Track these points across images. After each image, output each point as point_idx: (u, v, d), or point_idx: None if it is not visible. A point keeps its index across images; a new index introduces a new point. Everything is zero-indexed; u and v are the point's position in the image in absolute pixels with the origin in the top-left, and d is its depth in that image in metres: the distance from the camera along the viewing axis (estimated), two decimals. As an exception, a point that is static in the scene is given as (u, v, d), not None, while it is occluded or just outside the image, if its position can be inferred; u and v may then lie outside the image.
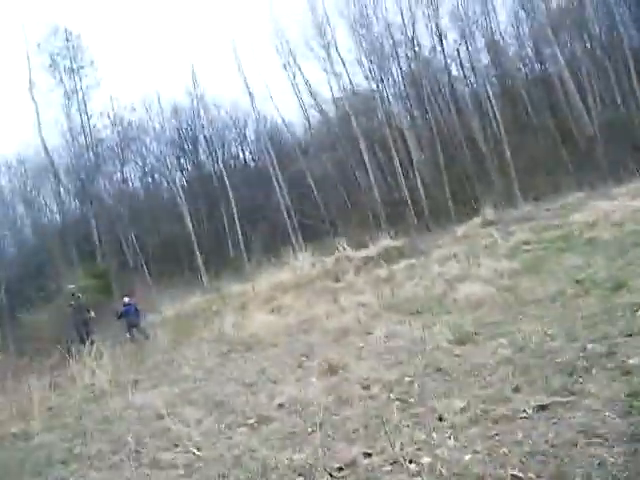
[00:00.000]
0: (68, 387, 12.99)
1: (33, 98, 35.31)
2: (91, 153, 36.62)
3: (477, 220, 24.56)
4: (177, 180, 39.73)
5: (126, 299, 21.00)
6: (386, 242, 23.60)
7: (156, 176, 43.92)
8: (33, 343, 18.54)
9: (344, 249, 23.93)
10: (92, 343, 20.56)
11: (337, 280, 20.49)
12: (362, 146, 35.75)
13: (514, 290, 11.63)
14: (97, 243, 34.59)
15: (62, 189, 38.21)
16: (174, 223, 37.80)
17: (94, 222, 35.56)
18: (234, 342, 14.19)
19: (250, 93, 39.28)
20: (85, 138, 36.83)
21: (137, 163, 43.57)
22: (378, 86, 38.43)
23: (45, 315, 22.42)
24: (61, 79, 37.23)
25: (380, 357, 9.13)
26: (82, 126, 36.83)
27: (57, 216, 41.12)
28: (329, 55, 38.24)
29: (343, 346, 10.53)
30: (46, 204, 43.03)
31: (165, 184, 42.07)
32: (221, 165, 41.34)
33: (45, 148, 35.24)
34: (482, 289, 12.17)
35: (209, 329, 16.95)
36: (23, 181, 43.26)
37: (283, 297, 19.23)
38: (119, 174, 41.66)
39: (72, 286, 22.73)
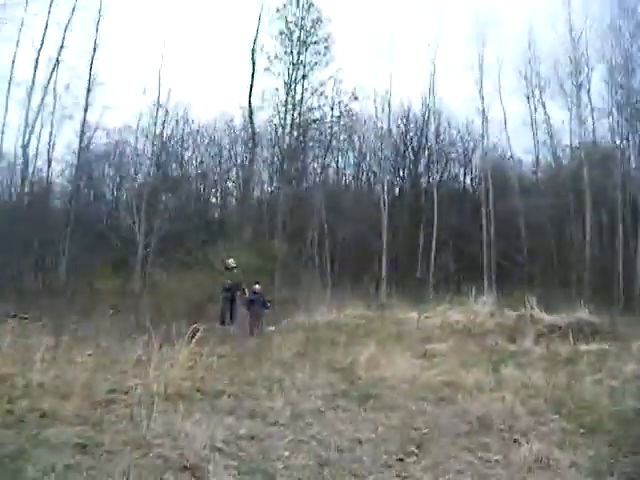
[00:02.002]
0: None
1: (253, 61, 33.71)
2: (299, 131, 34.21)
3: None
4: (385, 184, 36.43)
5: (257, 287, 18.48)
6: (582, 314, 19.44)
7: (364, 174, 41.25)
8: (165, 309, 16.21)
9: (532, 307, 20.07)
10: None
11: (512, 341, 16.90)
12: (587, 203, 31.36)
13: None
14: (281, 224, 31.99)
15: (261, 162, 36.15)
16: (370, 227, 34.82)
17: (283, 201, 33.16)
18: (356, 382, 11.20)
19: (485, 117, 35.69)
20: (294, 115, 34.41)
21: (347, 153, 40.99)
22: (622, 143, 33.70)
23: (187, 282, 20.16)
24: (290, 50, 35.07)
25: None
26: (294, 103, 34.45)
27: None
28: (578, 97, 33.79)
29: (470, 451, 7.22)
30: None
31: (373, 185, 38.98)
32: (436, 183, 37.89)
33: (250, 117, 33.32)
34: None
35: (340, 354, 13.95)
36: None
37: (443, 341, 15.90)
38: (324, 159, 38.87)
39: (231, 260, 20.47)
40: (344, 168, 41.37)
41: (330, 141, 36.83)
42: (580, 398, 10.06)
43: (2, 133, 30.27)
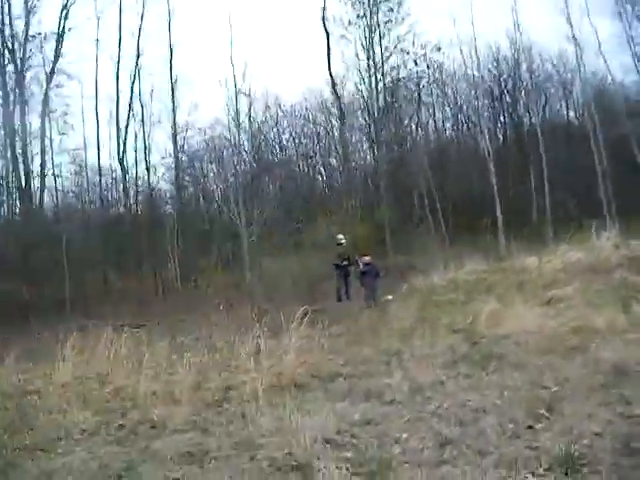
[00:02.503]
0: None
1: (326, 30, 32.75)
2: (385, 93, 32.96)
3: None
4: (486, 132, 34.84)
5: (366, 258, 17.85)
6: None
7: (464, 126, 39.61)
8: (275, 296, 15.81)
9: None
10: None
11: (640, 272, 15.59)
12: None
13: None
14: (384, 189, 31.00)
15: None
16: (478, 178, 33.43)
17: (383, 166, 32.19)
18: (478, 342, 10.45)
19: (577, 45, 33.47)
20: (379, 77, 33.12)
21: (443, 108, 39.41)
22: None
23: (293, 263, 19.67)
24: (362, 13, 33.72)
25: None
26: (375, 65, 33.04)
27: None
28: None
29: (607, 407, 6.37)
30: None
31: (474, 135, 37.32)
32: (539, 122, 36.01)
33: (334, 87, 32.34)
34: None
35: (460, 314, 13.13)
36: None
37: (567, 284, 14.78)
38: (417, 117, 37.36)
39: (340, 235, 19.90)
40: (442, 124, 40.06)
41: (419, 97, 35.41)
42: None
43: (98, 149, 30.84)
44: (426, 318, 13.50)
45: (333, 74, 32.63)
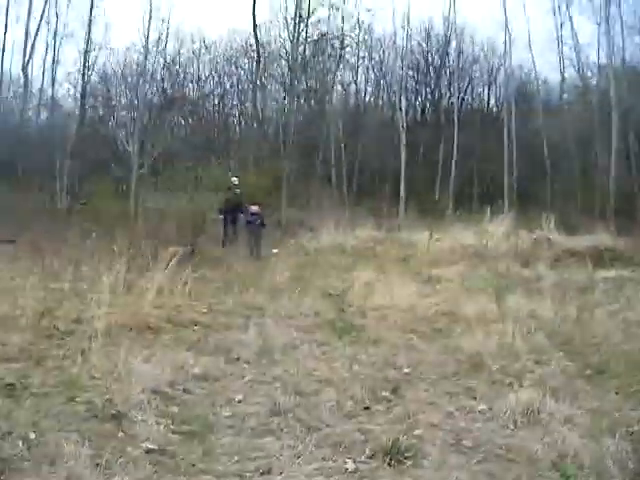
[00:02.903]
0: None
1: None
2: (306, 46, 32.01)
3: None
4: (404, 104, 34.47)
5: (254, 207, 17.28)
6: (603, 238, 17.95)
7: (384, 93, 39.07)
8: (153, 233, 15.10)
9: (549, 229, 18.62)
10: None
11: (525, 266, 15.58)
12: (614, 124, 29.25)
13: None
14: (290, 141, 30.16)
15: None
16: (389, 147, 33.05)
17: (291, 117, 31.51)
18: (346, 310, 10.14)
19: (509, 34, 33.25)
20: (303, 28, 31.80)
21: (368, 72, 38.84)
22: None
23: (183, 202, 18.89)
24: None
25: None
26: (301, 13, 31.27)
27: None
28: (608, 13, 31.03)
29: (452, 398, 6.07)
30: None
31: (393, 104, 36.68)
32: (458, 103, 35.98)
33: (255, 30, 31.08)
34: None
35: (338, 279, 12.79)
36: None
37: (449, 266, 14.66)
38: (333, 75, 36.12)
39: (234, 178, 19.22)
40: (364, 87, 39.45)
41: (341, 55, 34.59)
42: (590, 333, 8.82)
43: (2, 53, 28.94)
44: (303, 278, 13.10)
45: (258, 18, 31.24)
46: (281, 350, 7.51)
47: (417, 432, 5.06)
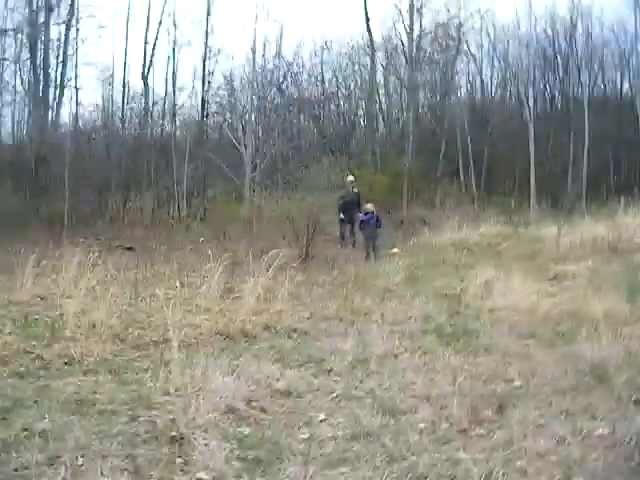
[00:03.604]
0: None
1: None
2: (421, 35, 30.81)
3: None
4: (532, 94, 32.72)
5: (368, 206, 16.46)
6: None
7: (509, 84, 37.26)
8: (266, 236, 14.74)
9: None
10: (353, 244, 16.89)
11: (667, 259, 14.10)
12: None
13: None
14: (412, 138, 29.13)
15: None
16: (517, 140, 31.46)
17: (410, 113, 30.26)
18: (462, 312, 9.26)
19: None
20: (418, 19, 30.95)
21: (492, 62, 37.14)
22: None
23: (296, 202, 18.26)
24: None
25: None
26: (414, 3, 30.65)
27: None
28: None
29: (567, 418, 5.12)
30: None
31: (520, 95, 34.85)
32: (589, 90, 33.83)
33: (367, 24, 30.28)
34: None
35: (456, 278, 11.88)
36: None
37: (578, 262, 13.44)
38: (452, 68, 34.61)
39: (350, 176, 18.54)
40: (490, 80, 37.78)
41: (459, 42, 33.10)
42: None
43: (125, 65, 29.60)
44: (419, 278, 12.30)
45: (372, 11, 30.45)
46: (379, 360, 6.77)
47: (519, 464, 4.20)
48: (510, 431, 4.73)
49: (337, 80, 37.00)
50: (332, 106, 36.93)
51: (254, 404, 5.42)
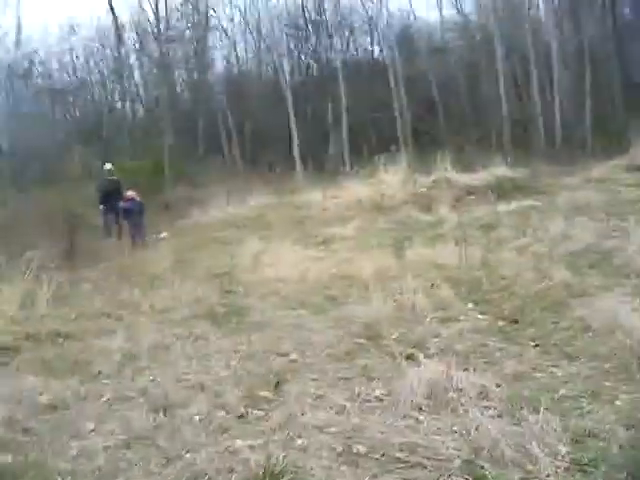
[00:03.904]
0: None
1: None
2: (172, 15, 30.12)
3: (620, 162, 17.93)
4: (287, 64, 33.11)
5: (129, 193, 15.70)
6: (501, 170, 17.15)
7: (265, 55, 37.37)
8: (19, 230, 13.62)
9: (446, 169, 17.70)
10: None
11: (426, 211, 14.68)
12: (498, 53, 28.58)
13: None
14: (168, 118, 28.16)
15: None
16: (277, 111, 31.60)
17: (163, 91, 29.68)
18: (235, 291, 8.93)
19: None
20: None
21: (246, 35, 36.90)
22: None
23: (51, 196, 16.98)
24: None
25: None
26: None
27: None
28: None
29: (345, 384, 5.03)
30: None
31: (276, 65, 35.15)
32: (341, 55, 34.64)
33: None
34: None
35: (226, 256, 11.55)
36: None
37: (345, 224, 13.65)
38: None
39: (107, 164, 17.58)
40: (245, 52, 37.60)
41: (207, 18, 32.71)
42: (499, 275, 7.95)
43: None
44: (188, 260, 11.85)
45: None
46: (150, 354, 6.32)
47: (299, 442, 4.01)
48: (288, 408, 4.53)
49: (89, 65, 35.18)
50: (87, 94, 35.09)
51: (15, 426, 4.82)
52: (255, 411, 4.63)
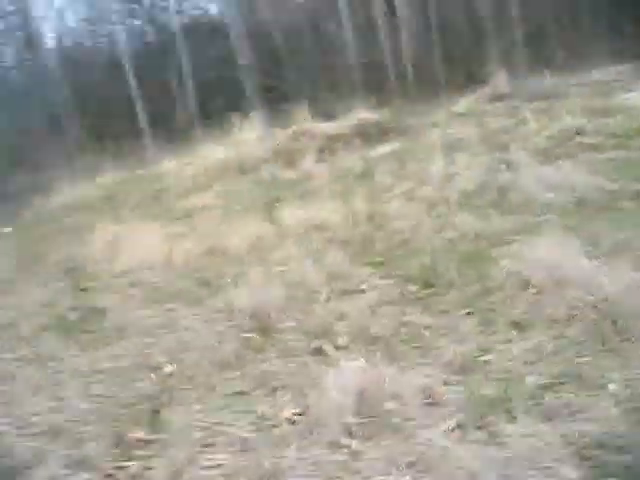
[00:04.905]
0: None
1: None
2: None
3: (481, 92, 17.35)
4: (123, 33, 30.93)
5: None
6: (363, 114, 16.08)
7: (99, 26, 34.81)
8: None
9: (304, 120, 16.50)
10: None
11: (290, 165, 13.49)
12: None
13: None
14: None
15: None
16: (117, 83, 29.45)
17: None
18: (87, 290, 7.43)
19: None
20: None
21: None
22: None
23: None
24: None
25: None
26: None
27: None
28: None
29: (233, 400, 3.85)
30: None
31: (111, 35, 32.70)
32: (179, 19, 32.72)
33: None
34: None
35: (74, 246, 9.92)
36: None
37: (206, 191, 12.34)
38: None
39: None
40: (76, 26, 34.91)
41: None
42: (392, 230, 6.91)
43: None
44: (35, 256, 10.18)
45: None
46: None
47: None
48: (172, 455, 3.30)
49: None
50: None
51: None
52: (129, 464, 3.38)
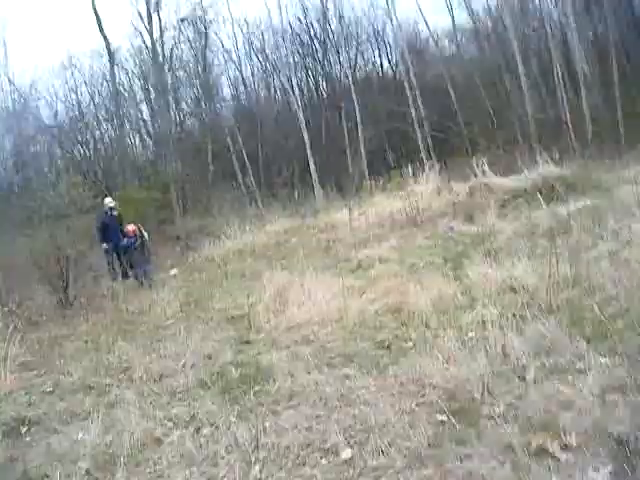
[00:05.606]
0: None
1: None
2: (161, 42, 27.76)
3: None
4: (297, 85, 31.16)
5: (130, 227, 13.48)
6: (546, 169, 14.79)
7: (273, 78, 35.18)
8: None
9: (484, 173, 15.41)
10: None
11: (470, 220, 12.47)
12: (516, 55, 26.26)
13: None
14: (172, 150, 25.73)
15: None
16: (290, 134, 29.55)
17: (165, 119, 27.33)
18: (253, 341, 6.78)
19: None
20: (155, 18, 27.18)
21: (251, 58, 34.76)
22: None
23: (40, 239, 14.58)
24: None
25: None
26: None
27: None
28: None
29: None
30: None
31: (285, 87, 33.03)
32: (351, 71, 32.57)
33: (100, 25, 26.03)
34: None
35: (243, 293, 9.24)
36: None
37: (380, 243, 11.48)
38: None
39: (108, 199, 15.28)
40: (252, 76, 35.52)
41: (206, 44, 30.52)
42: (606, 296, 5.76)
43: None
44: (200, 302, 9.68)
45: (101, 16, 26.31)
46: (131, 457, 4.22)
47: None
48: None
49: (93, 101, 32.99)
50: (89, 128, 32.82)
51: None
52: None
